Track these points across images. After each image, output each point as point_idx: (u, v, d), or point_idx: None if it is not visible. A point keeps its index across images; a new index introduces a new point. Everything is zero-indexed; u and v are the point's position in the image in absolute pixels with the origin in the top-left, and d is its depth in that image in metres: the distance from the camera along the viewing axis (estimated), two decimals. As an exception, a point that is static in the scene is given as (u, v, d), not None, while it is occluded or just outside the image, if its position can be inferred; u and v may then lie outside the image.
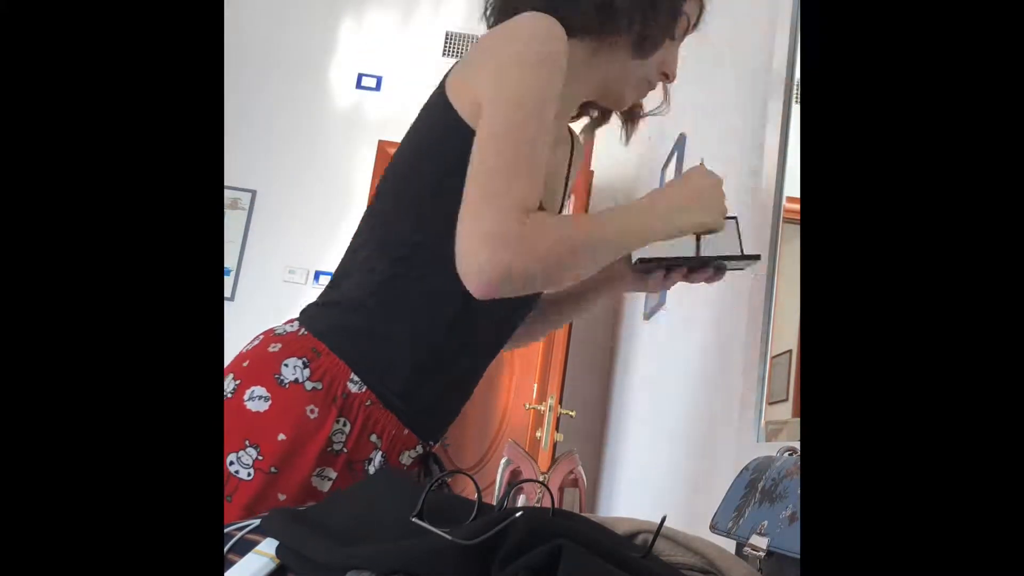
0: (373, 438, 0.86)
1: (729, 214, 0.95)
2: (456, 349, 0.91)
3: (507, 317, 0.96)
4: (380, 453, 0.87)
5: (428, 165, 0.87)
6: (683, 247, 0.94)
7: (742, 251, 0.95)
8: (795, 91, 1.31)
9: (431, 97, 0.90)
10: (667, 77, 1.01)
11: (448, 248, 0.78)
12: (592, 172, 3.39)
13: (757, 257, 0.96)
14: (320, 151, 3.49)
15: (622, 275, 1.06)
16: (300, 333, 0.87)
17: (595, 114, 1.08)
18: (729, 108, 1.76)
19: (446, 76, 0.89)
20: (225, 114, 3.23)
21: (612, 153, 3.28)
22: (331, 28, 3.59)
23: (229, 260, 3.36)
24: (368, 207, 0.94)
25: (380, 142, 3.50)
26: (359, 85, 3.54)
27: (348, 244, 0.94)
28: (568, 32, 0.84)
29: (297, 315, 0.92)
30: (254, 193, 3.44)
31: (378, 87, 3.55)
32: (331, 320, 0.88)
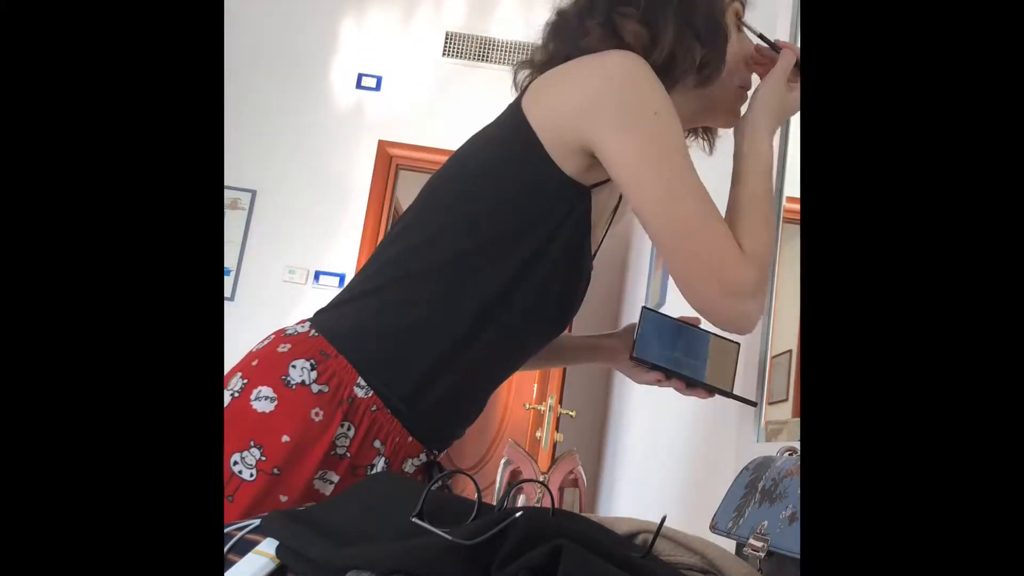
0: (377, 444, 0.86)
1: (733, 339, 0.96)
2: (473, 366, 0.90)
3: (532, 344, 0.96)
4: (383, 459, 0.87)
5: (496, 192, 0.86)
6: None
7: (732, 390, 0.96)
8: (795, 91, 1.31)
9: (504, 124, 0.88)
10: (758, 66, 0.97)
11: (493, 274, 0.84)
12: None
13: (753, 404, 0.98)
14: (320, 151, 3.49)
15: (614, 354, 1.08)
16: (311, 334, 0.87)
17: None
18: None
19: (520, 104, 0.87)
20: (225, 114, 3.23)
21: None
22: (331, 28, 3.59)
23: (229, 260, 3.36)
24: (406, 217, 0.93)
25: (380, 142, 3.50)
26: (359, 85, 3.54)
27: (378, 248, 0.93)
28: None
29: (310, 315, 0.92)
30: (254, 193, 3.44)
31: (378, 87, 3.55)
32: (343, 322, 0.88)
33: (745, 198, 0.87)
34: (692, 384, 0.95)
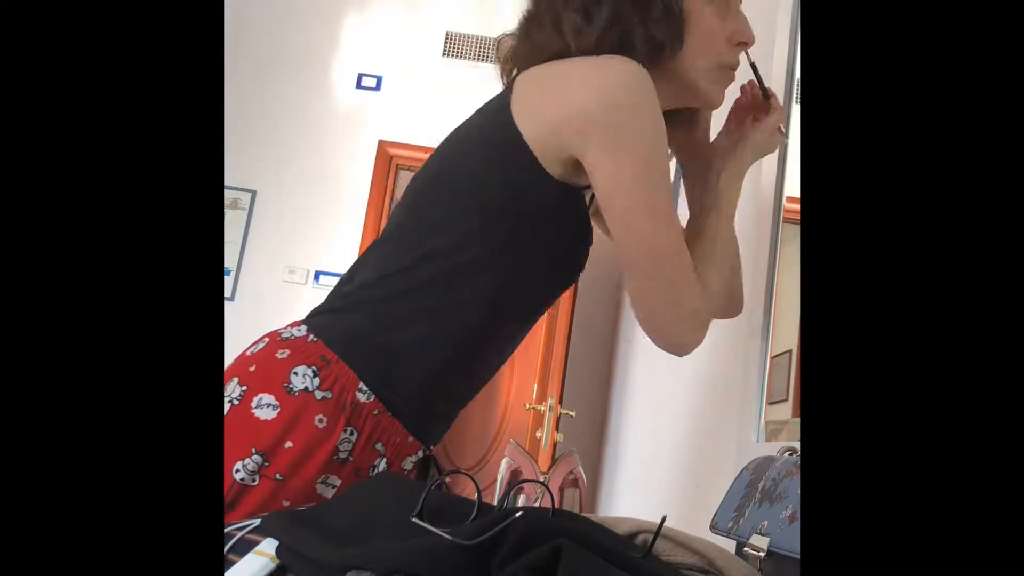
0: (379, 446, 0.86)
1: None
2: (469, 365, 0.91)
3: (516, 334, 0.97)
4: (384, 460, 0.87)
5: (485, 195, 0.85)
6: None
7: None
8: (795, 91, 1.31)
9: (491, 123, 0.88)
10: (744, 45, 0.94)
11: (490, 279, 0.85)
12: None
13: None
14: (320, 151, 3.49)
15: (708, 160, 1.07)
16: (309, 339, 0.86)
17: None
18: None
19: (509, 100, 0.86)
20: (225, 114, 3.23)
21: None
22: (331, 28, 3.59)
23: (229, 260, 3.36)
24: (396, 216, 0.93)
25: (380, 142, 3.50)
26: (359, 85, 3.54)
27: (368, 250, 0.93)
28: None
29: (303, 318, 0.91)
30: (254, 193, 3.44)
31: (378, 87, 3.55)
32: (343, 327, 0.87)
33: (713, 241, 0.90)
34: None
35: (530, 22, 0.93)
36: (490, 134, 0.88)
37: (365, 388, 0.84)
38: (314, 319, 0.90)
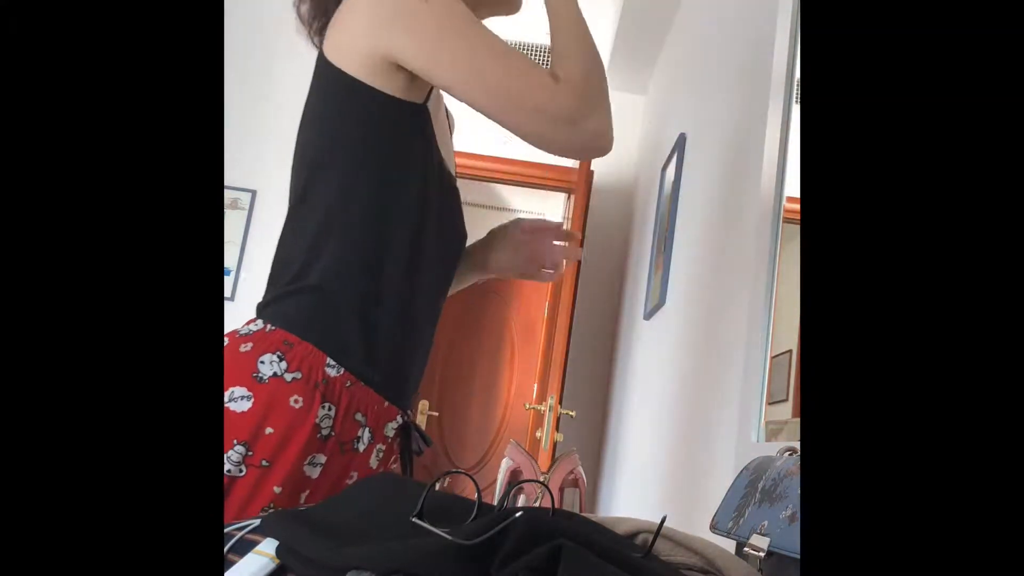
0: (358, 416, 0.89)
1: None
2: (409, 312, 0.94)
3: (443, 271, 1.01)
4: (367, 430, 0.89)
5: (344, 137, 0.90)
6: None
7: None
8: (795, 91, 1.31)
9: (320, 74, 0.92)
10: None
11: (374, 210, 0.87)
12: (592, 172, 3.39)
13: None
14: (320, 151, 3.48)
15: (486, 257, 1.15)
16: (267, 329, 0.89)
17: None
18: (729, 108, 1.76)
19: (322, 51, 0.91)
20: (225, 114, 3.22)
21: (612, 153, 3.28)
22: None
23: (229, 260, 3.36)
24: (291, 206, 0.97)
25: (380, 142, 3.49)
26: (359, 85, 3.54)
27: (280, 240, 0.97)
28: None
29: (255, 315, 0.94)
30: (254, 193, 3.44)
31: (378, 87, 3.54)
32: (295, 310, 0.90)
33: (555, 28, 0.91)
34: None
35: None
36: (322, 89, 0.92)
37: (333, 363, 0.87)
38: (266, 311, 0.93)
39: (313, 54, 0.96)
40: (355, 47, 0.87)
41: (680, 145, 2.34)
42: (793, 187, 1.28)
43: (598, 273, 3.58)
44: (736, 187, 1.60)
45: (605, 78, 0.90)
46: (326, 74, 0.90)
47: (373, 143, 0.89)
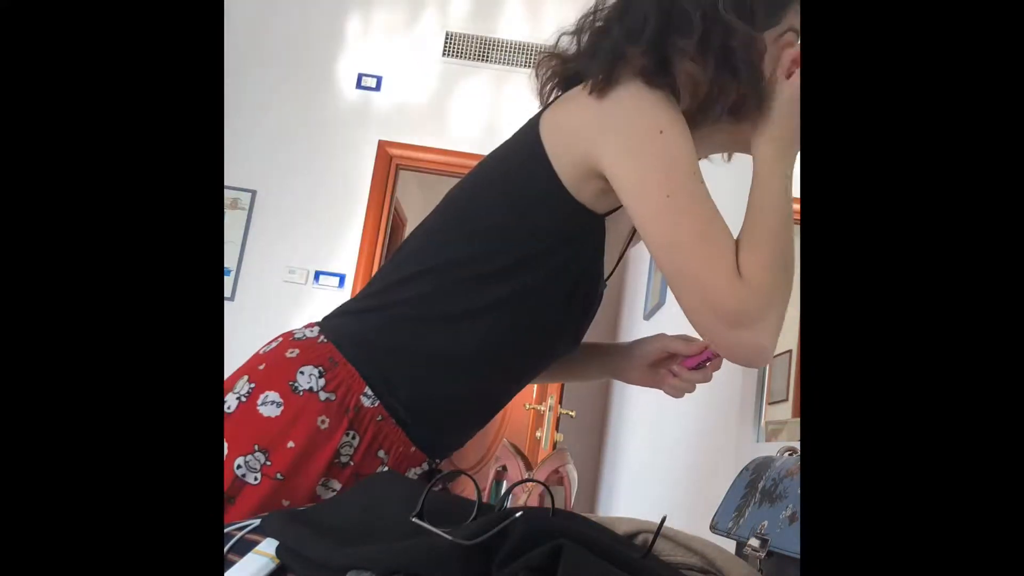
0: (381, 453, 0.86)
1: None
2: (480, 383, 0.90)
3: (539, 360, 0.95)
4: (386, 469, 0.86)
5: (504, 209, 0.85)
6: None
7: None
8: (795, 91, 1.31)
9: (521, 140, 0.87)
10: None
11: (506, 296, 0.83)
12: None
13: None
14: (320, 151, 3.49)
15: (618, 371, 1.08)
16: (320, 340, 0.87)
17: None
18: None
19: (539, 120, 0.86)
20: (225, 114, 3.23)
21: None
22: (332, 28, 3.59)
23: (229, 260, 3.36)
24: (426, 223, 0.92)
25: (380, 142, 3.50)
26: (359, 85, 3.54)
27: (392, 257, 0.92)
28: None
29: (319, 319, 0.91)
30: (254, 193, 3.44)
31: (378, 87, 3.55)
32: (355, 330, 0.87)
33: (751, 228, 0.81)
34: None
35: (596, 45, 0.88)
36: (517, 150, 0.87)
37: (370, 393, 0.84)
38: (329, 321, 0.90)
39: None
40: (569, 139, 0.82)
41: (680, 145, 2.33)
42: (793, 187, 1.28)
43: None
44: (736, 187, 1.60)
45: (790, 286, 0.80)
46: (531, 145, 0.85)
47: (533, 237, 0.84)
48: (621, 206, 0.84)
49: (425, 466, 0.92)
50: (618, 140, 0.79)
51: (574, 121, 0.83)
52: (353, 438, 0.83)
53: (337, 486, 0.83)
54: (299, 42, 3.55)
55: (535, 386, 3.32)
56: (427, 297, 0.86)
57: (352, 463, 0.84)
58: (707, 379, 0.97)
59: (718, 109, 0.83)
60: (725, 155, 1.02)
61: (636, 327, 2.84)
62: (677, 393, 0.99)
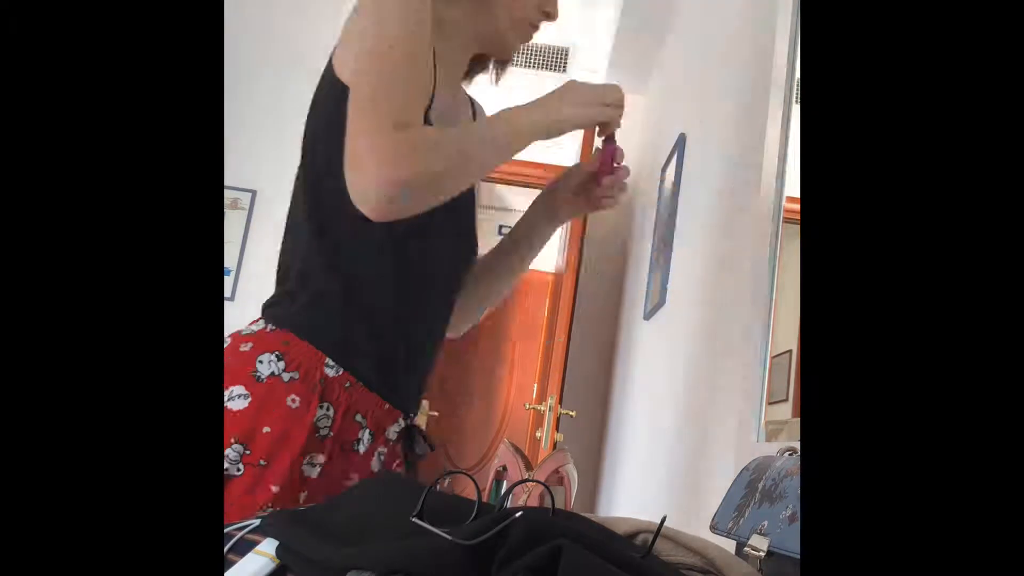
0: (358, 418, 0.89)
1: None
2: (407, 312, 0.94)
3: (445, 272, 1.00)
4: (368, 431, 0.89)
5: (324, 134, 0.91)
6: None
7: None
8: (795, 91, 1.31)
9: (324, 76, 0.94)
10: (548, 16, 1.00)
11: (372, 232, 0.85)
12: (592, 172, 3.38)
13: None
14: (320, 151, 3.48)
15: (554, 210, 1.10)
16: (268, 329, 0.90)
17: (489, 67, 1.10)
18: (729, 108, 1.76)
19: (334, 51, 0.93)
20: (225, 114, 3.22)
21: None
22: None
23: (229, 260, 3.36)
24: (290, 211, 0.98)
25: (380, 142, 3.49)
26: (359, 85, 3.54)
27: (283, 242, 0.98)
28: None
29: (260, 315, 0.94)
30: (254, 193, 3.44)
31: (378, 87, 3.54)
32: (293, 310, 0.91)
33: (485, 124, 0.91)
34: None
35: None
36: (323, 93, 0.93)
37: (332, 363, 0.86)
38: (268, 311, 0.93)
39: (312, 55, 0.99)
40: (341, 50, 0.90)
41: (680, 145, 2.34)
42: (793, 187, 1.28)
43: (598, 273, 3.57)
44: (736, 187, 1.60)
45: (455, 172, 0.83)
46: (328, 76, 0.92)
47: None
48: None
49: (401, 421, 0.95)
50: (357, 21, 0.85)
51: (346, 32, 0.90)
52: (328, 410, 0.86)
53: (321, 459, 0.85)
54: (299, 42, 3.55)
55: (535, 386, 3.32)
56: (325, 258, 0.90)
57: (331, 434, 0.86)
58: (624, 176, 1.04)
59: None
60: (493, 78, 1.10)
61: (636, 327, 2.84)
62: (612, 203, 1.06)
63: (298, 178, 0.96)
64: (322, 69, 0.95)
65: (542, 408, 2.99)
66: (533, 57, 3.78)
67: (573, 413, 3.10)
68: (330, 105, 0.88)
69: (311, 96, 0.97)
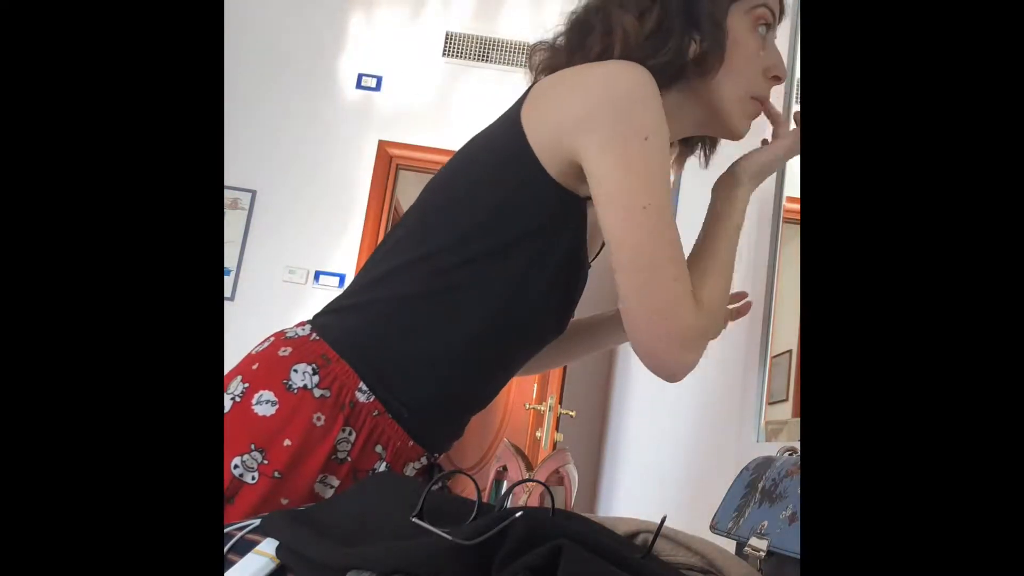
0: (378, 448, 0.86)
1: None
2: (473, 371, 0.90)
3: (527, 345, 0.96)
4: (385, 464, 0.87)
5: (486, 198, 0.85)
6: None
7: None
8: (795, 91, 1.31)
9: (501, 129, 0.87)
10: (778, 80, 0.94)
11: (492, 282, 0.84)
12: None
13: None
14: (320, 151, 3.49)
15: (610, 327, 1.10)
16: (312, 338, 0.87)
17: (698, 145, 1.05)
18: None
19: (520, 110, 0.86)
20: (225, 114, 3.23)
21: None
22: (332, 28, 3.59)
23: (229, 260, 3.36)
24: (406, 218, 0.92)
25: (380, 142, 3.50)
26: (359, 85, 3.54)
27: (375, 252, 0.92)
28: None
29: (310, 317, 0.91)
30: (254, 193, 3.44)
31: (378, 87, 3.55)
32: (346, 327, 0.87)
33: (711, 259, 0.87)
34: None
35: (576, 25, 0.91)
36: (497, 138, 0.88)
37: (365, 388, 0.84)
38: (319, 319, 0.90)
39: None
40: (553, 126, 0.82)
41: (680, 145, 2.33)
42: (793, 187, 1.28)
43: (598, 272, 3.57)
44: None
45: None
46: (511, 131, 0.85)
47: (515, 221, 0.84)
48: None
49: (423, 460, 0.92)
50: (602, 136, 0.79)
51: (558, 106, 0.83)
52: (350, 434, 0.84)
53: (335, 482, 0.83)
54: (299, 42, 3.55)
55: (535, 386, 3.32)
56: (413, 289, 0.86)
57: (350, 459, 0.84)
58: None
59: (676, 65, 0.85)
60: (702, 159, 1.04)
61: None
62: None
63: (435, 206, 0.90)
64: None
65: (542, 408, 2.99)
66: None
67: (573, 413, 3.10)
68: (529, 196, 0.84)
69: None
